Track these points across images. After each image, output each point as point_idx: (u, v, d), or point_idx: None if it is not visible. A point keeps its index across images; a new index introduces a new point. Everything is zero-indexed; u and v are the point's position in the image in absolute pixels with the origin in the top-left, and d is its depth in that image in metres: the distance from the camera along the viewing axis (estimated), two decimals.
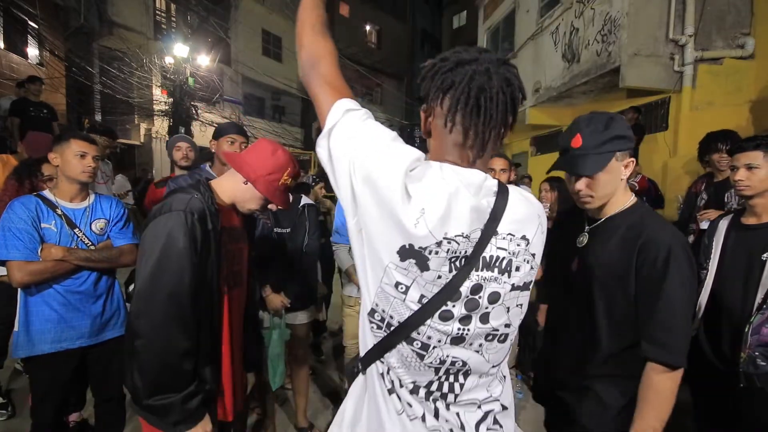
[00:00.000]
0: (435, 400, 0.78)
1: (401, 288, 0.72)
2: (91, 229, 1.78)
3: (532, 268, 0.80)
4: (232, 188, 1.30)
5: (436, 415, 0.78)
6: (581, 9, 5.96)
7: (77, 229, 1.73)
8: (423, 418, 0.77)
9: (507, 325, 0.80)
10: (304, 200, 2.41)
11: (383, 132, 0.74)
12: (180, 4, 13.05)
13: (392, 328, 0.75)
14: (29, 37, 8.76)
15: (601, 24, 5.47)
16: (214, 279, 1.19)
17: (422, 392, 0.77)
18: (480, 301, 0.75)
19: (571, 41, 6.19)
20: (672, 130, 5.31)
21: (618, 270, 1.13)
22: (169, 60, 11.13)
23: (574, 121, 1.20)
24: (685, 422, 2.43)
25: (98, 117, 10.89)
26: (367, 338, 0.80)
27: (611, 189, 1.18)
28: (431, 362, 0.75)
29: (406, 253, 0.69)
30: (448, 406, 0.79)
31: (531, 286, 0.83)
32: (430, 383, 0.77)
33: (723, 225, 1.72)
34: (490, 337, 0.78)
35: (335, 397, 2.93)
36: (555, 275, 1.42)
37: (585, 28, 5.86)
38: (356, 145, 0.71)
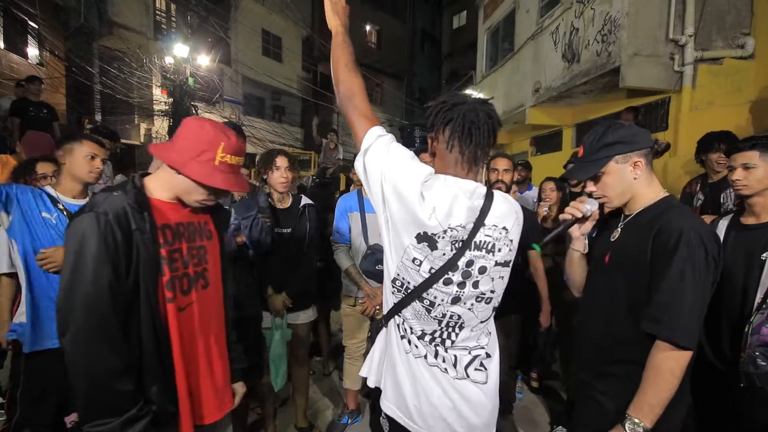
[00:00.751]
0: (436, 345, 1.07)
1: (417, 262, 1.02)
2: None
3: (510, 250, 1.09)
4: (169, 181, 1.13)
5: (436, 355, 1.07)
6: (581, 9, 5.95)
7: None
8: (425, 357, 1.07)
9: (492, 291, 1.09)
10: (305, 200, 2.42)
11: (404, 152, 1.04)
12: (180, 4, 13.03)
13: (409, 291, 1.05)
14: (29, 37, 8.75)
15: (601, 24, 5.47)
16: (151, 285, 1.05)
17: (427, 338, 1.07)
18: (472, 272, 1.04)
19: (571, 41, 6.19)
20: (672, 130, 5.31)
21: (637, 258, 1.17)
22: (169, 60, 11.12)
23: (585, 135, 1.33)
24: (685, 422, 2.43)
25: (98, 117, 10.86)
26: (388, 299, 1.11)
27: (621, 189, 1.24)
28: (436, 315, 1.05)
29: (422, 237, 1.00)
30: (446, 349, 1.08)
31: (510, 264, 1.12)
32: (434, 331, 1.07)
33: (722, 225, 1.73)
34: (479, 299, 1.07)
35: (335, 397, 2.93)
36: (592, 271, 1.44)
37: (585, 28, 5.86)
38: (385, 164, 1.00)
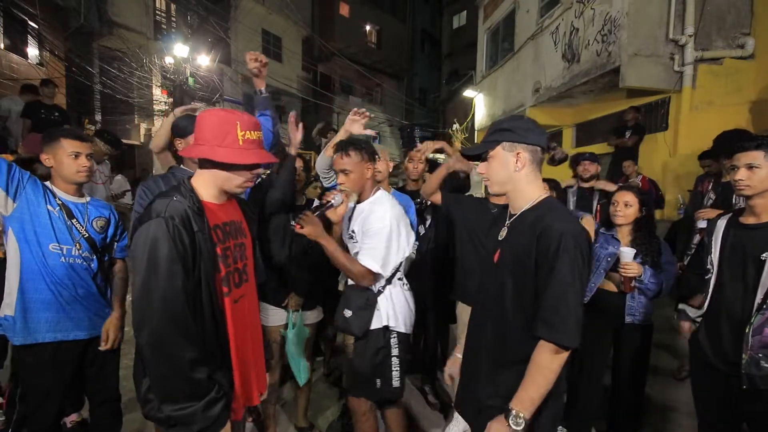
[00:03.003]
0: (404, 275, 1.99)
1: (408, 242, 1.92)
2: (92, 225, 1.80)
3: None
4: (211, 177, 1.21)
5: (405, 282, 1.98)
6: (581, 9, 5.96)
7: (74, 220, 1.73)
8: (406, 284, 1.98)
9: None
10: (316, 202, 2.43)
11: (388, 242, 1.80)
12: (180, 4, 13.04)
13: (405, 256, 1.89)
14: (29, 37, 8.75)
15: (601, 24, 5.47)
16: (210, 282, 1.15)
17: (403, 273, 1.99)
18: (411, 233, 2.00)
19: (571, 41, 6.19)
20: (672, 130, 5.31)
21: (523, 260, 1.19)
22: (169, 60, 11.12)
23: None
24: (686, 422, 2.42)
25: (98, 117, 10.87)
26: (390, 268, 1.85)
27: (503, 176, 1.26)
28: (406, 259, 1.94)
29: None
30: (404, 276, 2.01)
31: None
32: (403, 267, 1.96)
33: (722, 224, 1.72)
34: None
35: (335, 397, 2.93)
36: (482, 270, 1.44)
37: (585, 28, 5.86)
38: (400, 253, 1.87)
